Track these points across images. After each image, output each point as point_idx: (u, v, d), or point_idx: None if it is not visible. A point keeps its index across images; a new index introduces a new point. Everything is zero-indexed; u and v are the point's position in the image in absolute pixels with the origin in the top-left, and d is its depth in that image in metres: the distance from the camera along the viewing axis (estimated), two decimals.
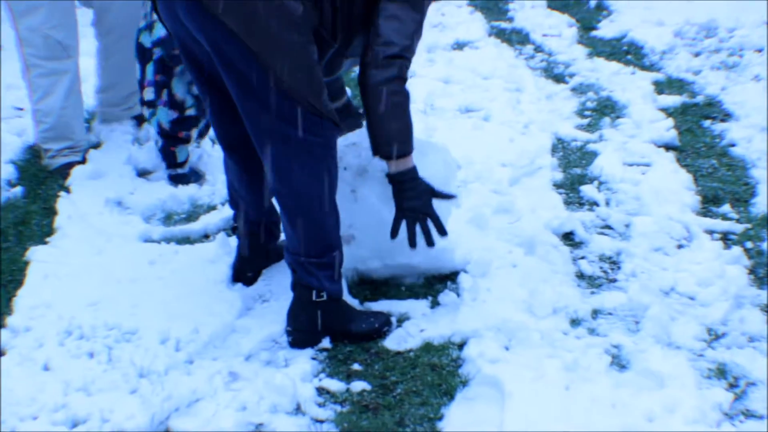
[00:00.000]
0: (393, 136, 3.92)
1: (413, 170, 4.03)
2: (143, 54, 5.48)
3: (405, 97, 3.89)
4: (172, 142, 5.63)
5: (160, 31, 5.34)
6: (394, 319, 4.21)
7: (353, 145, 4.41)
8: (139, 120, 6.20)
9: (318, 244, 3.97)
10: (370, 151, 4.02)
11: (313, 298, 4.02)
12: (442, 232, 4.14)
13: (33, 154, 6.02)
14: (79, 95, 5.84)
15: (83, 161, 5.79)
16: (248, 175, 4.16)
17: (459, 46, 8.33)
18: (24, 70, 5.71)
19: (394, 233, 4.09)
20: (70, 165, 5.73)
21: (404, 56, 3.84)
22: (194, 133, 5.68)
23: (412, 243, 4.09)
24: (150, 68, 5.48)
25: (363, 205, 4.30)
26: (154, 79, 5.49)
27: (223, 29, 3.52)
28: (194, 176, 5.70)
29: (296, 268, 4.03)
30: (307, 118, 3.68)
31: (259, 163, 3.91)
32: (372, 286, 4.51)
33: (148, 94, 5.55)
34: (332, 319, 4.07)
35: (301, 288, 4.05)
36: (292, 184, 3.83)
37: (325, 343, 4.07)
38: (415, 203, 4.07)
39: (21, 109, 6.37)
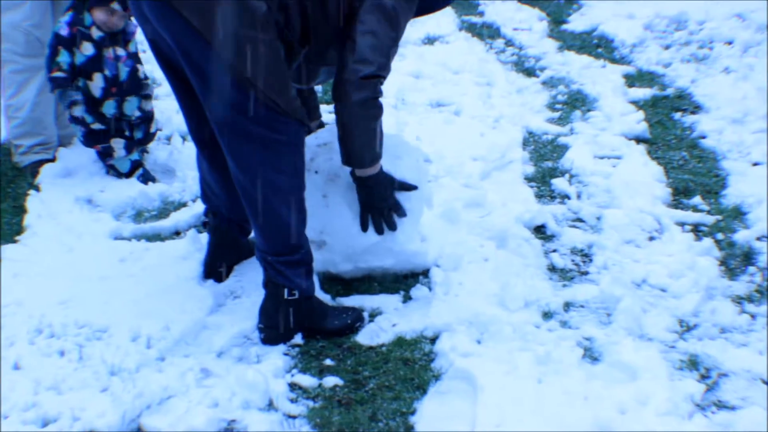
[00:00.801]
0: (364, 150, 4.04)
1: (380, 172, 4.15)
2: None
3: (378, 114, 3.97)
4: (101, 157, 5.66)
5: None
6: (366, 314, 4.21)
7: (325, 146, 4.40)
8: None
9: (283, 241, 3.95)
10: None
11: (285, 296, 4.01)
12: (403, 215, 4.31)
13: (2, 153, 5.98)
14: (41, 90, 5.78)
15: (53, 159, 5.75)
16: (221, 172, 4.13)
17: (430, 40, 8.33)
18: None
19: (363, 227, 4.27)
20: (40, 163, 5.69)
21: (380, 75, 3.89)
22: (116, 144, 5.64)
23: (379, 231, 4.29)
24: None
25: (334, 210, 4.31)
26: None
27: (186, 25, 3.53)
28: (149, 179, 5.69)
29: (266, 266, 4.03)
30: (269, 116, 3.68)
31: None
32: (344, 282, 4.49)
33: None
34: (304, 317, 4.06)
35: (273, 286, 4.04)
36: (255, 181, 3.82)
37: (297, 339, 4.06)
38: (380, 200, 4.22)
39: None
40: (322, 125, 4.90)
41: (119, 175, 5.63)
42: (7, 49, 5.59)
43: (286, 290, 4.00)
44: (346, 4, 3.85)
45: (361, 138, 3.99)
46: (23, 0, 5.50)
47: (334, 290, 4.43)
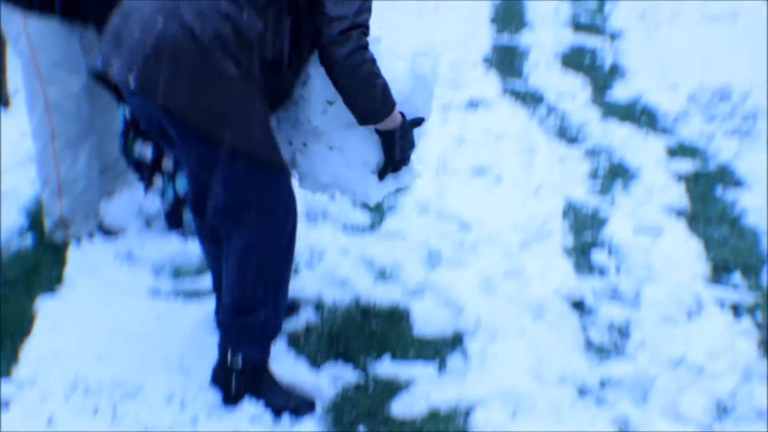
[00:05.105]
0: (372, 105, 3.95)
1: (402, 124, 4.07)
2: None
3: (371, 63, 3.86)
4: (184, 206, 5.60)
5: None
6: (318, 406, 4.10)
7: None
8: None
9: (248, 296, 3.97)
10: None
11: (229, 362, 4.04)
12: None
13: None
14: (96, 159, 5.62)
15: (101, 225, 5.69)
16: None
17: (473, 105, 8.28)
18: (48, 139, 5.39)
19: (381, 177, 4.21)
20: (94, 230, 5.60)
21: (359, 25, 3.82)
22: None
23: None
24: None
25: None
26: None
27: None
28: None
29: (222, 324, 4.08)
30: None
31: None
32: (380, 343, 4.50)
33: (167, 163, 5.50)
34: (249, 385, 4.05)
35: (222, 348, 4.08)
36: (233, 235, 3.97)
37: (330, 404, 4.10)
38: (406, 153, 4.18)
39: None
40: None
41: (180, 226, 5.64)
42: (58, 120, 5.35)
43: (229, 353, 4.04)
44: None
45: (363, 94, 3.90)
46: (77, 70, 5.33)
47: (370, 352, 4.46)
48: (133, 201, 5.90)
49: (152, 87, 3.70)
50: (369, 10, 3.89)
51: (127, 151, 5.47)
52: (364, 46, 3.83)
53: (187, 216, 5.55)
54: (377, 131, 4.06)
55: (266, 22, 3.71)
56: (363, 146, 4.13)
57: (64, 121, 5.37)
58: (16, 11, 5.12)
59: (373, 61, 3.86)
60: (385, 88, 3.92)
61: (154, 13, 3.70)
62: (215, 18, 3.64)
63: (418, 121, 4.20)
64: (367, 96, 3.91)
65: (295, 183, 4.20)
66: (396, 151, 4.09)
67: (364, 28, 3.85)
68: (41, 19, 5.12)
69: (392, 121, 4.01)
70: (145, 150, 5.41)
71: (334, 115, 4.05)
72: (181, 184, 5.46)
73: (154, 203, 5.80)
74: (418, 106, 4.22)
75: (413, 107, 4.18)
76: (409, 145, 4.15)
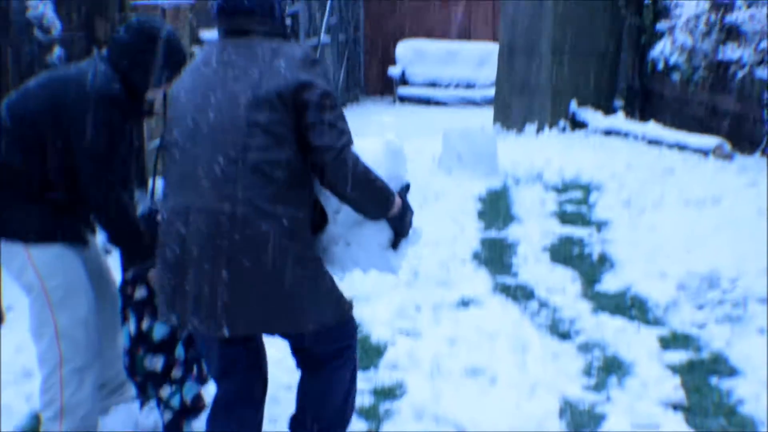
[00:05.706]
0: (380, 205, 4.35)
1: (402, 205, 4.45)
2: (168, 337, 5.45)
3: (366, 171, 4.19)
4: (189, 415, 5.56)
5: None
6: None
7: None
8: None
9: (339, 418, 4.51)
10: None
11: None
12: None
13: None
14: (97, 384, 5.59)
15: None
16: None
17: (464, 303, 8.29)
18: (56, 366, 5.34)
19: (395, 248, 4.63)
20: None
21: (345, 145, 4.10)
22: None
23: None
24: (180, 347, 5.46)
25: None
26: (185, 356, 5.48)
27: None
28: None
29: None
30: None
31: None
32: None
33: (177, 372, 5.48)
34: None
35: None
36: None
37: None
38: (409, 221, 4.53)
39: None
40: None
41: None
42: (67, 347, 5.32)
43: None
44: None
45: (370, 199, 4.27)
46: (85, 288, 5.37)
47: None
48: (129, 416, 5.89)
49: (244, 327, 4.18)
50: (344, 120, 4.18)
51: (135, 367, 5.46)
52: (356, 159, 4.14)
53: (187, 428, 5.55)
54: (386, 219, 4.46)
55: (299, 207, 4.10)
56: (374, 232, 4.52)
57: (73, 348, 5.34)
58: (17, 244, 5.18)
59: (367, 168, 4.19)
60: (383, 184, 4.28)
61: (209, 262, 4.06)
62: (267, 245, 3.99)
63: (407, 188, 4.59)
64: (373, 199, 4.28)
65: None
66: (404, 224, 4.49)
67: (350, 144, 4.14)
68: (44, 247, 5.20)
69: (396, 206, 4.38)
70: (155, 362, 5.42)
71: (343, 220, 4.47)
72: (188, 391, 5.46)
73: (150, 418, 5.79)
74: (401, 174, 4.65)
75: (398, 178, 4.59)
76: (411, 213, 4.51)
